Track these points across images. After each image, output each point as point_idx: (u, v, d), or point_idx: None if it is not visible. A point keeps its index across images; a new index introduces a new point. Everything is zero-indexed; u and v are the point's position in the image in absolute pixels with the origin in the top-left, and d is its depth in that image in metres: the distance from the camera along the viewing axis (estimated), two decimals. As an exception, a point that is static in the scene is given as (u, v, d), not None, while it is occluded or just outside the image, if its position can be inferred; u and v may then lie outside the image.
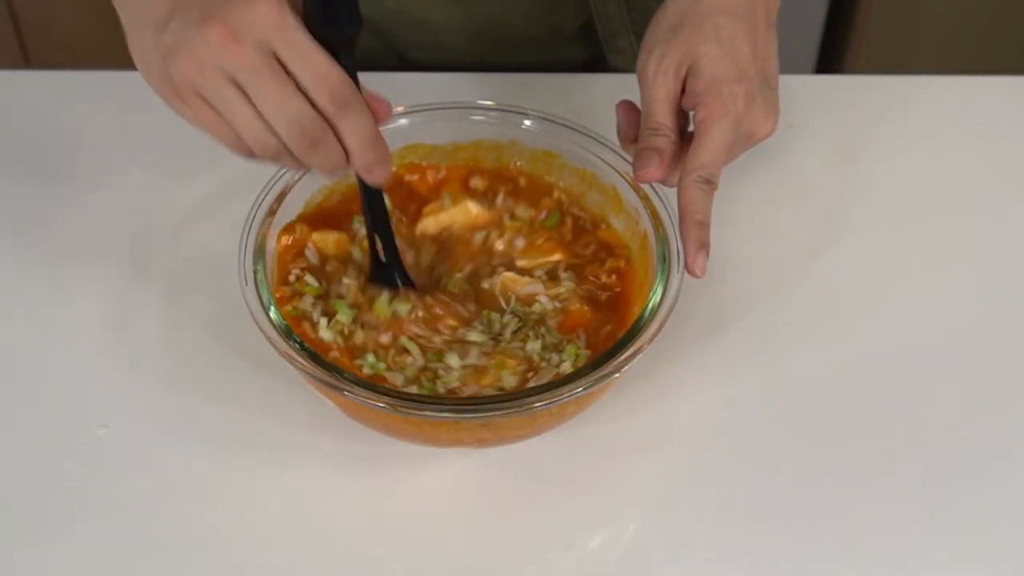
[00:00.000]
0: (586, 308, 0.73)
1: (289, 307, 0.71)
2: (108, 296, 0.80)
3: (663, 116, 0.72)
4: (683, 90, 0.72)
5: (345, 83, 0.60)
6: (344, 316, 0.71)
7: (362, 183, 0.69)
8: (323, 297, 0.73)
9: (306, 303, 0.72)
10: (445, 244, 0.77)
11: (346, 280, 0.73)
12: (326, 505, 0.70)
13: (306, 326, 0.71)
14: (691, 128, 0.72)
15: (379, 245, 0.72)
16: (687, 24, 0.72)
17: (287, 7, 0.59)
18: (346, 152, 0.62)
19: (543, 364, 0.70)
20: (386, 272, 0.73)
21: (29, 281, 0.81)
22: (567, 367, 0.70)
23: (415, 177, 0.80)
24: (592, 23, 0.95)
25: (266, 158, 0.63)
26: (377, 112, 0.63)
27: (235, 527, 0.69)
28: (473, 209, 0.77)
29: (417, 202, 0.79)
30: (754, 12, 0.73)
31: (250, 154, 0.63)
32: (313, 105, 0.60)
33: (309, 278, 0.73)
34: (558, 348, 0.71)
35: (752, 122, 0.72)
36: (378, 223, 0.71)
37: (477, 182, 0.80)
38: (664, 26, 0.73)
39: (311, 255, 0.74)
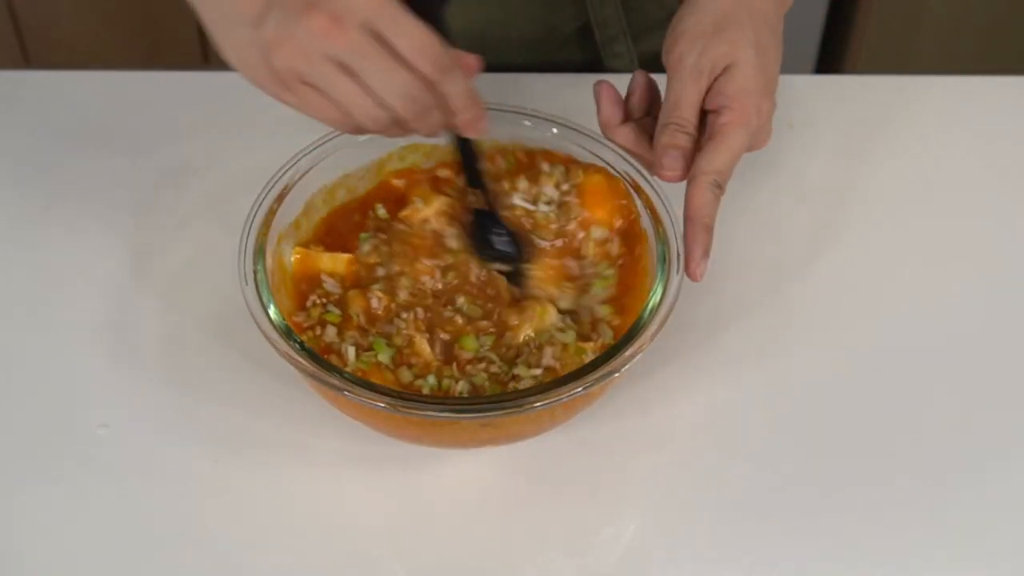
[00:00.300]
0: (597, 175, 0.75)
1: (305, 337, 0.70)
2: (108, 296, 0.80)
3: (690, 113, 0.72)
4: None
5: (442, 48, 0.63)
6: (384, 356, 0.69)
7: (459, 142, 0.72)
8: (345, 326, 0.71)
9: (329, 333, 0.70)
10: (410, 243, 0.76)
11: (403, 316, 0.71)
12: (326, 505, 0.70)
13: (333, 358, 0.69)
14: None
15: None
16: (731, 24, 0.72)
17: None
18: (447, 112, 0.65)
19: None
20: (483, 221, 0.74)
21: (29, 281, 0.81)
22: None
23: (403, 182, 0.80)
24: (590, 26, 0.95)
25: (376, 131, 0.65)
26: (469, 68, 0.66)
27: (235, 527, 0.69)
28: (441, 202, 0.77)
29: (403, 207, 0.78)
30: (780, 25, 0.74)
31: (358, 130, 0.65)
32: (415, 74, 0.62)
33: (332, 308, 0.72)
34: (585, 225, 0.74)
35: (761, 136, 0.73)
36: (477, 178, 0.74)
37: (444, 171, 0.79)
38: (708, 19, 0.73)
39: (331, 287, 0.73)
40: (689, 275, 0.70)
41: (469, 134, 0.68)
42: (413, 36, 0.61)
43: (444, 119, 0.66)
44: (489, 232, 0.74)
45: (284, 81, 0.62)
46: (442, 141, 0.75)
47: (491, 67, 0.96)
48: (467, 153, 0.73)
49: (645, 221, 0.74)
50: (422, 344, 0.70)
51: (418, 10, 0.62)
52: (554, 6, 0.96)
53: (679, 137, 0.72)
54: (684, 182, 0.72)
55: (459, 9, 0.95)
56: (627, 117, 0.76)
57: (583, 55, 0.99)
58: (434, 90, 0.64)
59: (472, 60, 0.67)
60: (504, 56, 0.97)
